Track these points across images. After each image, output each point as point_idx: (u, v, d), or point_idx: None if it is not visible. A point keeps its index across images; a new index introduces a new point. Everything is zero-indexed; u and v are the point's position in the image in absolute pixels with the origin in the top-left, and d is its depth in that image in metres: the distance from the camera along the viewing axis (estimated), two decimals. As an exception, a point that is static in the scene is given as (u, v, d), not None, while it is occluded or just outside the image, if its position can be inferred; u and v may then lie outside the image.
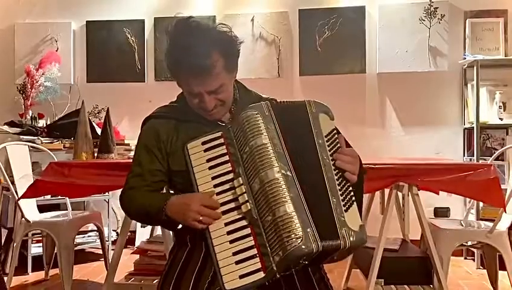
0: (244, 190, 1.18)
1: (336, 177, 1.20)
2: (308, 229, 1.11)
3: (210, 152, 1.26)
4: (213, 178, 1.24)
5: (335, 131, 1.28)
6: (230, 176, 1.22)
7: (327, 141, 1.24)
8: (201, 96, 1.28)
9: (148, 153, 1.37)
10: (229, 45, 1.31)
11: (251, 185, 1.18)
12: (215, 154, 1.25)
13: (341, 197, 1.18)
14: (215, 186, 1.23)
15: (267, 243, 1.14)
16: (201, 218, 1.19)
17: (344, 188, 1.20)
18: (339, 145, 1.25)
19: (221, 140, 1.26)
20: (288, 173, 1.17)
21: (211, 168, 1.25)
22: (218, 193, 1.22)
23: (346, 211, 1.17)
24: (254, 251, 1.15)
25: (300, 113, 1.26)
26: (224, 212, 1.20)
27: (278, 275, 1.13)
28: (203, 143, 1.27)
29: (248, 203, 1.17)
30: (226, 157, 1.24)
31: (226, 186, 1.22)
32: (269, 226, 1.14)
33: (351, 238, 1.14)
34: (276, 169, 1.16)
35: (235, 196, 1.20)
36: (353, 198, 1.21)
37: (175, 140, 1.35)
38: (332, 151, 1.23)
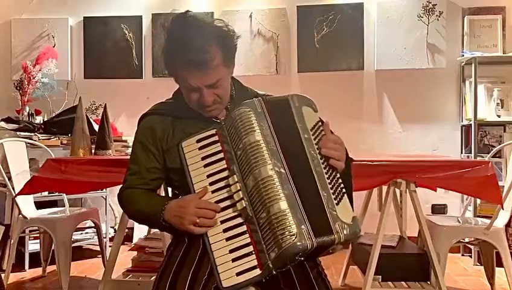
0: (239, 188, 1.18)
1: (324, 171, 1.19)
2: (303, 226, 1.11)
3: (205, 150, 1.26)
4: (208, 176, 1.23)
5: (320, 123, 1.27)
6: (225, 173, 1.22)
7: (313, 135, 1.23)
8: (200, 90, 1.28)
9: (145, 150, 1.36)
10: (227, 38, 1.30)
11: (246, 183, 1.18)
12: (210, 152, 1.25)
13: (331, 191, 1.17)
14: (211, 184, 1.23)
15: (263, 240, 1.14)
16: (198, 220, 1.19)
17: (334, 181, 1.20)
18: (324, 135, 1.24)
19: (216, 137, 1.26)
20: (282, 170, 1.16)
21: (206, 166, 1.24)
22: (214, 191, 1.22)
23: (337, 204, 1.16)
24: (250, 248, 1.15)
25: (284, 108, 1.25)
26: (220, 210, 1.20)
27: (274, 272, 1.13)
28: (198, 141, 1.27)
29: (243, 201, 1.17)
30: (221, 155, 1.24)
31: (221, 184, 1.22)
32: (264, 223, 1.13)
33: (345, 232, 1.13)
34: (269, 166, 1.16)
35: (230, 194, 1.20)
36: (343, 190, 1.20)
37: (171, 137, 1.34)
38: (318, 145, 1.22)
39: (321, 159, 1.20)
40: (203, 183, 1.23)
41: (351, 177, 1.32)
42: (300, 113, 1.24)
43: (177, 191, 1.36)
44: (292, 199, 1.14)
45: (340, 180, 1.21)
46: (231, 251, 1.16)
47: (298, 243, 1.09)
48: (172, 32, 1.28)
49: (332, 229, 1.13)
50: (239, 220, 1.18)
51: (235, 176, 1.19)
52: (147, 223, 1.43)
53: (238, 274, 1.14)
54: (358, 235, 1.20)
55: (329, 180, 1.19)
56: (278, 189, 1.13)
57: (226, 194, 1.21)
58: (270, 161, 1.16)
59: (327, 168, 1.20)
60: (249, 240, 1.16)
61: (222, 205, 1.21)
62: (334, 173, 1.21)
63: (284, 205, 1.12)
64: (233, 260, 1.15)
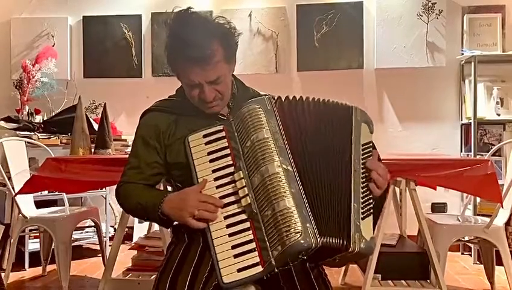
0: (244, 184, 1.18)
1: (362, 185, 1.20)
2: (308, 225, 1.11)
3: (211, 145, 1.26)
4: (213, 171, 1.23)
5: (371, 144, 1.29)
6: (231, 169, 1.22)
7: (363, 150, 1.24)
8: (201, 87, 1.28)
9: (146, 145, 1.36)
10: (228, 35, 1.31)
11: (251, 179, 1.18)
12: (216, 148, 1.25)
13: (361, 205, 1.18)
14: (216, 179, 1.23)
15: (266, 237, 1.13)
16: (196, 212, 1.19)
17: (366, 198, 1.20)
18: (371, 156, 1.26)
19: (223, 133, 1.26)
20: (289, 167, 1.16)
21: (211, 161, 1.24)
22: (218, 186, 1.22)
23: (363, 219, 1.17)
24: (253, 245, 1.15)
25: (343, 115, 1.27)
26: (224, 206, 1.20)
27: (276, 270, 1.13)
28: (204, 136, 1.27)
29: (248, 197, 1.17)
30: (227, 151, 1.24)
31: (227, 179, 1.22)
32: (269, 220, 1.13)
33: (362, 245, 1.13)
34: (277, 163, 1.16)
35: (235, 190, 1.19)
36: (371, 210, 1.20)
37: (173, 133, 1.35)
38: (365, 161, 1.23)
39: (362, 174, 1.21)
40: (208, 178, 1.23)
41: (382, 208, 1.33)
42: (358, 126, 1.27)
43: (181, 185, 1.35)
44: (299, 197, 1.13)
45: (371, 201, 1.21)
46: (233, 247, 1.15)
47: (302, 241, 1.08)
48: (174, 29, 1.28)
49: (350, 237, 1.13)
50: (243, 216, 1.18)
51: (240, 172, 1.19)
52: (144, 217, 1.41)
53: (239, 271, 1.13)
54: (371, 253, 1.21)
55: (362, 195, 1.19)
56: (285, 186, 1.13)
57: (231, 190, 1.20)
58: (277, 158, 1.16)
59: (364, 184, 1.21)
60: (251, 237, 1.15)
61: (226, 200, 1.20)
62: (369, 192, 1.22)
63: (290, 202, 1.12)
64: (235, 256, 1.14)
